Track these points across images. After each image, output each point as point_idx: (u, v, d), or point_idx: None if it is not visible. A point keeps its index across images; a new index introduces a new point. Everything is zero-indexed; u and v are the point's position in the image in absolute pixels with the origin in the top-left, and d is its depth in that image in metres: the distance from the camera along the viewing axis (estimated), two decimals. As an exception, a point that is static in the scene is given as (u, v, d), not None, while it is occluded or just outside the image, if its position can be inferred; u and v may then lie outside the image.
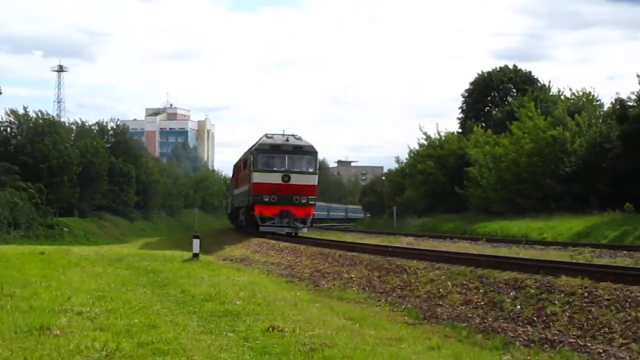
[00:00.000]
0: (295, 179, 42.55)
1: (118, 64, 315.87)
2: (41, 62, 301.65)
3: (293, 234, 42.93)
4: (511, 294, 15.74)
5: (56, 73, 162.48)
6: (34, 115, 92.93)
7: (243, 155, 55.27)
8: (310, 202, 43.65)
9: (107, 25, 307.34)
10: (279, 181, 42.28)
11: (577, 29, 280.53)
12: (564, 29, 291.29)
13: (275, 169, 43.11)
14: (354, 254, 27.28)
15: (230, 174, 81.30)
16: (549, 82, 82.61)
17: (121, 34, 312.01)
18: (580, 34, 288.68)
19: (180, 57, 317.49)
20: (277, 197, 42.13)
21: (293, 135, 45.28)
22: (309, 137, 45.57)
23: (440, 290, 17.97)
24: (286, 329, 12.00)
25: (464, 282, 17.85)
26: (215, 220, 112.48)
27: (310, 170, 44.37)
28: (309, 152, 44.27)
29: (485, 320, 14.51)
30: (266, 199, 42.22)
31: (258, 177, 43.07)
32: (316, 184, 45.45)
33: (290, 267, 27.63)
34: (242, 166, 52.82)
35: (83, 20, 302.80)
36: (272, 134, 45.46)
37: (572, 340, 12.10)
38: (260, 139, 45.67)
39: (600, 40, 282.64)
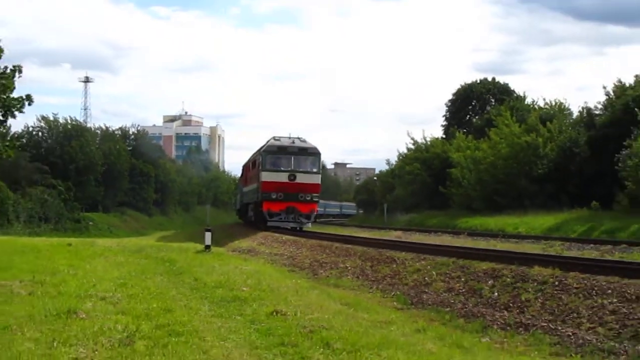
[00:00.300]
0: (301, 178, 41.94)
1: (139, 76, 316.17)
2: (70, 73, 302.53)
3: (298, 228, 41.87)
4: (489, 282, 15.74)
5: (83, 84, 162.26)
6: (63, 121, 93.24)
7: (252, 156, 53.88)
8: (314, 200, 43.25)
9: (129, 41, 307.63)
10: (286, 180, 41.60)
11: (548, 45, 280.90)
12: (537, 45, 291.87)
13: (282, 168, 42.35)
14: (348, 246, 27.27)
15: (239, 174, 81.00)
16: (524, 92, 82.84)
17: (141, 48, 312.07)
18: (552, 50, 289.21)
19: (194, 69, 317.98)
20: (283, 195, 41.46)
21: (298, 138, 44.56)
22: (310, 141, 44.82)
23: (426, 278, 17.95)
24: (288, 313, 11.99)
25: (447, 272, 17.84)
26: (225, 215, 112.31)
27: (314, 170, 43.67)
28: (313, 153, 43.49)
29: (466, 306, 14.49)
30: (274, 196, 41.59)
31: (266, 176, 42.28)
32: (319, 182, 44.68)
33: (292, 257, 27.57)
34: (251, 166, 51.73)
35: (107, 36, 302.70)
36: (279, 137, 44.62)
37: (544, 324, 12.09)
38: (268, 141, 44.77)
39: (570, 55, 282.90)
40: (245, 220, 61.57)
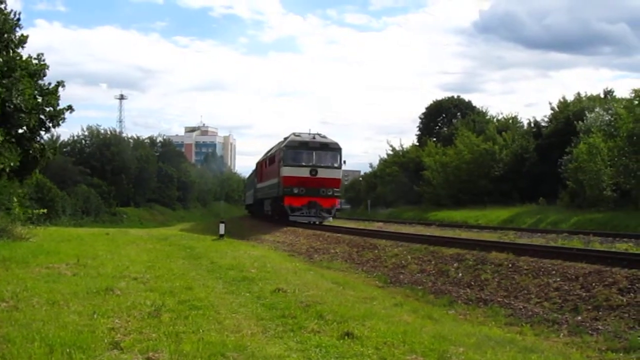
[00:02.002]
0: (322, 173, 35.83)
1: (163, 93, 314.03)
2: (106, 92, 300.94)
3: (318, 222, 36.06)
4: (455, 264, 15.75)
5: (118, 100, 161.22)
6: (103, 131, 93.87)
7: (269, 152, 46.86)
8: (336, 194, 36.91)
9: (155, 64, 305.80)
10: (307, 175, 35.53)
11: (502, 69, 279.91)
12: (493, 68, 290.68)
13: (303, 163, 36.01)
14: (338, 235, 27.22)
15: (248, 175, 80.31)
16: (486, 108, 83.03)
17: (165, 71, 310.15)
18: (505, 73, 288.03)
19: (210, 88, 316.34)
20: (305, 189, 35.58)
21: (318, 134, 38.27)
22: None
23: (402, 262, 17.94)
24: (288, 290, 11.98)
25: (420, 256, 17.84)
26: (236, 209, 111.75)
27: (336, 165, 37.00)
28: (334, 148, 37.06)
29: (436, 284, 14.49)
30: (295, 191, 35.66)
31: (288, 171, 36.12)
32: (340, 177, 38.60)
33: (291, 244, 27.47)
34: (268, 163, 44.75)
35: (137, 61, 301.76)
36: (299, 133, 38.45)
37: (500, 299, 12.12)
38: (288, 137, 38.51)
39: (520, 77, 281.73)
40: (259, 214, 53.94)
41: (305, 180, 35.70)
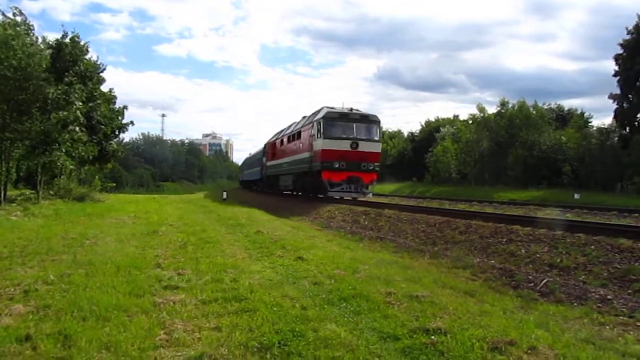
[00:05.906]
0: (363, 147, 21.37)
1: (188, 113, 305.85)
2: (152, 112, 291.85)
3: (352, 199, 22.18)
4: (363, 217, 15.81)
5: (160, 117, 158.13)
6: (151, 136, 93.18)
7: (286, 130, 30.56)
8: (376, 169, 22.09)
9: (183, 95, 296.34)
10: (348, 148, 21.26)
11: (391, 101, 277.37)
12: (385, 101, 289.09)
13: (344, 136, 21.45)
14: (294, 199, 27.10)
15: (239, 164, 79.23)
16: (382, 124, 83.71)
17: (189, 99, 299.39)
18: (393, 104, 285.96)
19: (217, 110, 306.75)
20: (346, 164, 21.32)
21: (352, 108, 22.97)
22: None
23: (332, 215, 17.95)
24: (264, 232, 11.92)
25: (343, 212, 17.88)
26: (233, 184, 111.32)
27: (376, 138, 22.02)
28: (374, 120, 22.09)
29: (352, 229, 14.53)
30: (336, 165, 21.32)
31: (327, 144, 21.49)
32: (380, 151, 22.72)
33: (265, 204, 27.29)
34: (287, 140, 28.56)
35: (171, 92, 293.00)
36: (333, 106, 23.00)
37: (390, 237, 12.21)
38: (320, 110, 23.25)
39: (401, 107, 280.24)
40: (268, 190, 36.22)
41: (345, 154, 21.46)
